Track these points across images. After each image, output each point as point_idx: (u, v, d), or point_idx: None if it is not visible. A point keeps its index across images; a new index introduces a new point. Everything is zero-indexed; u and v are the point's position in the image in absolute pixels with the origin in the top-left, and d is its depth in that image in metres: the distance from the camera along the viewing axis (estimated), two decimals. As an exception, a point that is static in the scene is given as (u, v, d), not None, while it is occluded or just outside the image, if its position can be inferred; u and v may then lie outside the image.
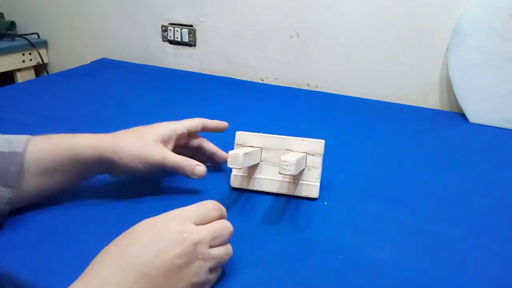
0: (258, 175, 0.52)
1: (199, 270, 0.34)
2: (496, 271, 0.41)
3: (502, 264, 0.42)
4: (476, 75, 0.84)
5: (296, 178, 0.51)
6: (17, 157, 0.42)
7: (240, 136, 0.52)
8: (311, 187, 0.51)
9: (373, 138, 0.75)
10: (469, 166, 0.65)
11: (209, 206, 0.37)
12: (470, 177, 0.61)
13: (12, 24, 1.39)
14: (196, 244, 0.34)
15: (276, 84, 1.10)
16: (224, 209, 0.39)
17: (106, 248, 0.33)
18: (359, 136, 0.76)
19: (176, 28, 1.18)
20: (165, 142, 0.49)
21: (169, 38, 1.20)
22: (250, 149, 0.49)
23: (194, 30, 1.16)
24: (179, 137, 0.51)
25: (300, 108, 0.91)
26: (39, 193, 0.45)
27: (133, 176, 0.53)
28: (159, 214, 0.45)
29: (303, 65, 1.07)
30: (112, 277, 0.31)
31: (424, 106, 0.96)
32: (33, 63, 1.39)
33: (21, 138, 0.45)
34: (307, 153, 0.50)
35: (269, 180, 0.52)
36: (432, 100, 0.96)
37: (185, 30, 1.17)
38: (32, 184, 0.43)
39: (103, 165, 0.46)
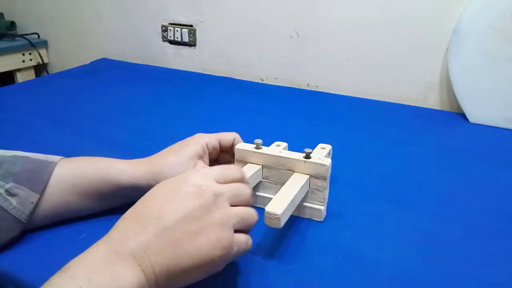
0: (260, 192, 0.50)
1: (221, 223, 0.33)
2: (496, 271, 0.41)
3: (502, 264, 0.42)
4: (476, 75, 0.84)
5: (301, 199, 0.47)
6: (50, 166, 0.42)
7: (240, 152, 0.49)
8: (314, 210, 0.47)
9: (373, 138, 0.75)
10: (469, 166, 0.64)
11: (231, 167, 0.37)
12: (470, 177, 0.61)
13: (12, 24, 1.39)
14: (216, 196, 0.33)
15: (276, 84, 1.10)
16: (246, 174, 0.39)
17: (129, 209, 0.34)
18: (359, 136, 0.75)
19: (176, 28, 1.18)
20: (200, 157, 0.47)
21: (169, 38, 1.20)
22: (251, 171, 0.47)
23: (194, 30, 1.16)
24: (212, 151, 0.50)
25: (300, 108, 0.91)
26: (62, 209, 0.43)
27: None
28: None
29: (303, 65, 1.07)
30: (132, 230, 0.31)
31: (424, 106, 0.96)
32: (33, 63, 1.39)
33: (59, 157, 0.45)
34: (310, 175, 0.46)
35: (271, 198, 0.44)
36: (432, 100, 0.96)
37: (185, 30, 1.17)
38: (55, 196, 0.42)
39: (142, 191, 0.45)
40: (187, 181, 0.34)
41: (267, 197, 0.49)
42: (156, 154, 0.48)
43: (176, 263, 0.31)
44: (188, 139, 0.49)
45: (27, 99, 0.88)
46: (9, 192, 0.39)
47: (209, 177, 0.35)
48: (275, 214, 0.38)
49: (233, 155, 0.50)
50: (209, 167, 0.36)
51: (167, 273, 0.31)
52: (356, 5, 0.96)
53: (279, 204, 0.39)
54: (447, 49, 0.90)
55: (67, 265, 0.29)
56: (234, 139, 0.51)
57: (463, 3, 0.85)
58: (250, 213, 0.36)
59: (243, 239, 0.35)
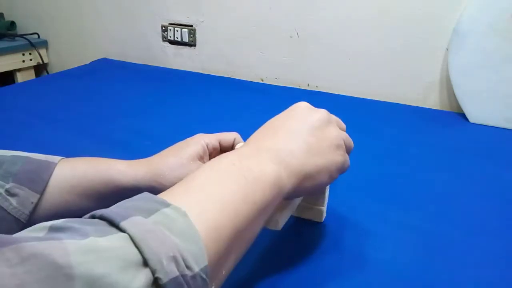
0: None
1: (338, 134, 0.37)
2: (496, 271, 0.41)
3: (502, 264, 0.42)
4: (476, 75, 0.84)
5: (301, 200, 0.47)
6: (50, 166, 0.42)
7: None
8: (315, 211, 0.47)
9: (373, 138, 0.75)
10: (469, 166, 0.64)
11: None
12: (470, 177, 0.61)
13: (12, 24, 1.39)
14: (328, 114, 0.38)
15: (276, 84, 1.10)
16: None
17: (251, 136, 0.38)
18: (359, 136, 0.75)
19: (176, 28, 1.18)
20: (201, 158, 0.47)
21: (169, 38, 1.20)
22: None
23: (194, 30, 1.16)
24: (212, 151, 0.49)
25: (300, 108, 0.91)
26: (62, 209, 0.43)
27: None
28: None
29: (303, 65, 1.07)
30: (266, 136, 0.36)
31: (424, 106, 0.96)
32: (33, 63, 1.39)
33: (59, 157, 0.44)
34: None
35: None
36: (432, 100, 0.96)
37: (185, 30, 1.17)
38: (55, 197, 0.42)
39: (142, 192, 0.45)
40: (298, 106, 0.39)
41: None
42: (156, 155, 0.47)
43: (310, 160, 0.35)
44: (188, 139, 0.49)
45: (27, 99, 0.88)
46: (9, 192, 0.39)
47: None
48: (274, 216, 0.38)
49: None
50: None
51: (303, 169, 0.34)
52: (356, 5, 0.96)
53: (279, 206, 0.39)
54: (447, 49, 0.90)
55: (219, 156, 0.33)
56: (234, 139, 0.51)
57: (463, 3, 0.85)
58: (349, 137, 0.41)
59: (347, 157, 0.39)
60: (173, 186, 0.29)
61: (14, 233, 0.41)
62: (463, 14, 0.83)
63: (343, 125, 0.42)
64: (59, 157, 0.44)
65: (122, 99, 0.91)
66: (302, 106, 0.39)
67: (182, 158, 0.46)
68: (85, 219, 0.24)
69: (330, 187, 0.47)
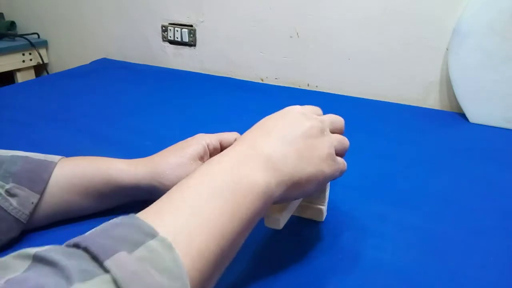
0: None
1: (329, 144, 0.37)
2: (496, 271, 0.41)
3: (502, 264, 0.42)
4: (476, 75, 0.84)
5: (302, 199, 0.47)
6: (50, 166, 0.42)
7: None
8: (315, 210, 0.47)
9: (373, 138, 0.75)
10: (469, 166, 0.64)
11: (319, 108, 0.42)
12: (470, 177, 0.61)
13: (12, 24, 1.39)
14: (320, 121, 0.38)
15: (276, 84, 1.10)
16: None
17: (244, 133, 0.37)
18: (359, 136, 0.75)
19: (176, 28, 1.18)
20: (201, 158, 0.47)
21: (169, 38, 1.20)
22: None
23: (194, 30, 1.16)
24: (213, 151, 0.49)
25: (300, 108, 0.91)
26: (62, 209, 0.43)
27: None
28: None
29: (303, 65, 1.07)
30: (259, 138, 0.35)
31: (424, 106, 0.96)
32: (33, 63, 1.39)
33: (59, 156, 0.44)
34: None
35: None
36: (432, 100, 0.96)
37: (185, 30, 1.17)
38: (55, 196, 0.42)
39: (142, 191, 0.45)
40: (291, 111, 0.38)
41: None
42: (156, 154, 0.47)
43: (300, 167, 0.34)
44: (189, 139, 0.49)
45: (27, 99, 0.88)
46: (9, 193, 0.39)
47: (308, 109, 0.40)
48: (275, 215, 0.38)
49: None
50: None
51: (293, 176, 0.34)
52: (356, 5, 0.96)
53: (280, 205, 0.39)
54: (447, 49, 0.90)
55: (209, 160, 0.33)
56: (235, 139, 0.51)
57: (463, 3, 0.85)
58: (344, 139, 0.41)
59: (341, 161, 0.39)
60: (163, 200, 0.29)
61: (14, 233, 0.41)
62: (463, 14, 0.83)
63: (340, 124, 0.42)
64: (58, 157, 0.44)
65: (122, 99, 0.91)
66: (296, 111, 0.38)
67: (182, 157, 0.46)
68: (69, 248, 0.23)
69: (330, 186, 0.47)
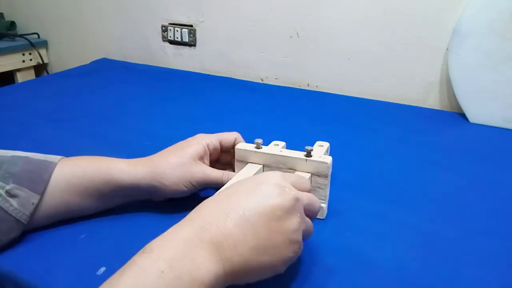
0: None
1: (298, 227, 0.34)
2: (496, 271, 0.41)
3: (502, 264, 0.42)
4: (476, 75, 0.84)
5: None
6: (50, 166, 0.42)
7: (240, 152, 0.49)
8: None
9: (373, 138, 0.75)
10: (469, 166, 0.64)
11: (305, 178, 0.38)
12: (470, 177, 0.61)
13: (12, 24, 1.39)
14: (296, 200, 0.34)
15: (276, 84, 1.10)
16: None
17: (208, 198, 0.34)
18: (359, 136, 0.76)
19: (176, 28, 1.18)
20: (201, 158, 0.47)
21: (169, 38, 1.20)
22: (252, 171, 0.47)
23: (194, 30, 1.16)
24: (213, 151, 0.50)
25: (300, 108, 0.91)
26: (63, 209, 0.43)
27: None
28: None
29: (303, 65, 1.07)
30: (214, 218, 0.31)
31: (424, 106, 0.96)
32: (33, 63, 1.39)
33: (59, 157, 0.44)
34: (312, 173, 0.46)
35: None
36: (432, 100, 0.96)
37: (185, 30, 1.17)
38: (56, 197, 0.42)
39: (143, 191, 0.45)
40: (268, 179, 0.35)
41: None
42: (156, 154, 0.47)
43: (254, 257, 0.31)
44: (189, 139, 0.49)
45: (27, 99, 0.88)
46: (9, 193, 0.39)
47: (288, 180, 0.36)
48: None
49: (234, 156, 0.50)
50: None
51: (244, 267, 0.31)
52: (356, 5, 0.96)
53: None
54: (447, 49, 0.90)
55: (149, 246, 0.29)
56: (235, 139, 0.51)
57: (463, 3, 0.85)
58: (311, 226, 0.37)
59: (301, 246, 0.35)
60: None
61: (14, 234, 0.41)
62: (463, 14, 0.83)
63: (315, 202, 0.38)
64: (58, 157, 0.44)
65: (122, 99, 0.91)
66: (271, 183, 0.34)
67: (182, 157, 0.46)
68: None
69: (330, 186, 0.47)
